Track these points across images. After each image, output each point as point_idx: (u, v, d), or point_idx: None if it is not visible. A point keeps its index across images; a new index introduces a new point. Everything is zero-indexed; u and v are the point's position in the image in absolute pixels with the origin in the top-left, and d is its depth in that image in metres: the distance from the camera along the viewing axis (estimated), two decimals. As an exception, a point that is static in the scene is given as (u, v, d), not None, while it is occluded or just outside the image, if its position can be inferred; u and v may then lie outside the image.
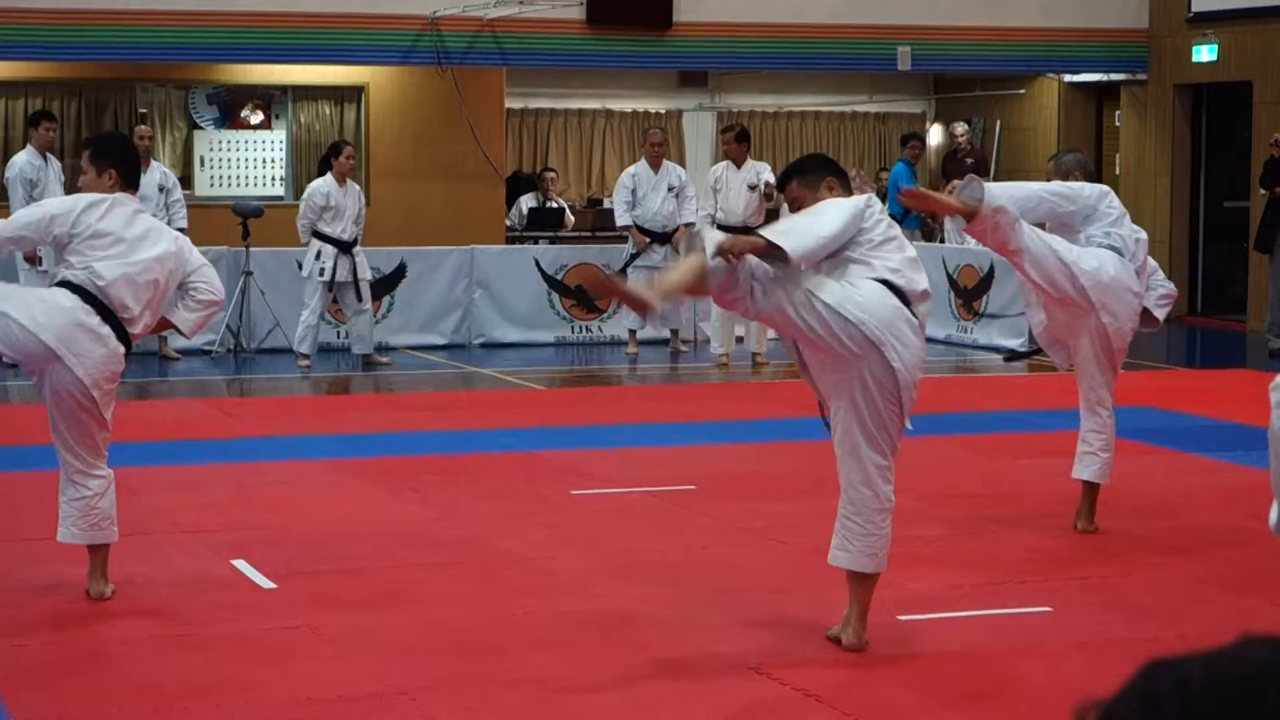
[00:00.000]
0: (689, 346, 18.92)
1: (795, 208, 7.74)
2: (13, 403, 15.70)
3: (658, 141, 18.56)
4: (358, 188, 17.86)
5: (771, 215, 17.10)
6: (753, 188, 17.39)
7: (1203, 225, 22.40)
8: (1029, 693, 7.16)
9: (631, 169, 18.70)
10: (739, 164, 17.52)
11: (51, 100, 20.44)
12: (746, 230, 17.25)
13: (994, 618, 8.16)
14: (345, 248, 17.44)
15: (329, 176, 17.49)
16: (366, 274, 17.67)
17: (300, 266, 17.70)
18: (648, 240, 18.08)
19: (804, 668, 7.34)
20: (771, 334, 18.38)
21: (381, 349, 18.53)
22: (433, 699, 6.96)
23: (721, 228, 17.27)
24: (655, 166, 18.36)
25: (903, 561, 9.08)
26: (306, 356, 17.40)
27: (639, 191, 18.30)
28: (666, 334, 18.79)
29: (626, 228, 18.32)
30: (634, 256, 18.31)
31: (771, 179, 17.47)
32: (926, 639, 7.83)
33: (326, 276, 17.37)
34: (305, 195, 17.64)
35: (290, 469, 11.78)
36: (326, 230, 17.40)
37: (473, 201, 21.64)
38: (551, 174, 22.33)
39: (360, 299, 17.54)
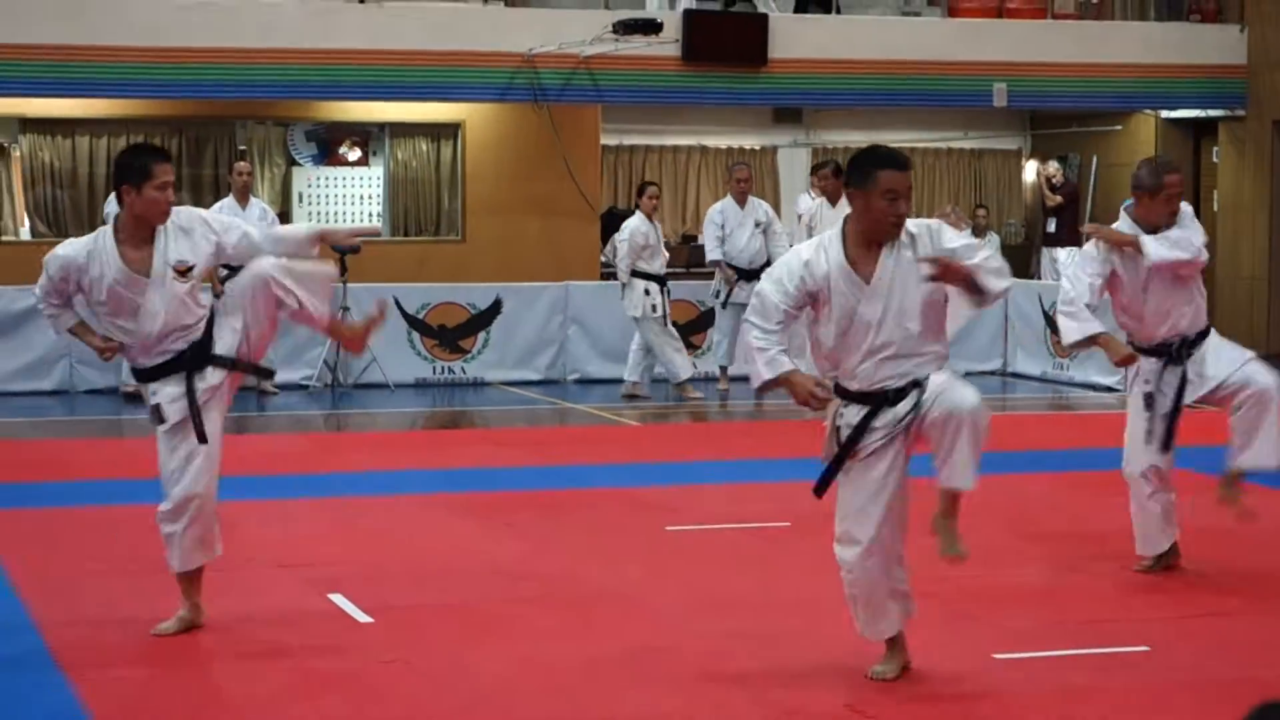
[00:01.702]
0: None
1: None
2: (126, 437, 15.88)
3: (743, 178, 18.57)
4: (659, 224, 18.41)
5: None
6: None
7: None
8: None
9: (718, 205, 18.72)
10: (834, 201, 17.47)
11: (153, 137, 20.66)
12: None
13: (1091, 656, 8.10)
14: (662, 282, 18.00)
15: (640, 215, 18.02)
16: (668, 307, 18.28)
17: (624, 301, 18.21)
18: (735, 276, 18.09)
19: (899, 707, 7.32)
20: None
21: (477, 384, 18.62)
22: (528, 734, 6.97)
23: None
24: (741, 202, 18.38)
25: (998, 599, 9.05)
26: (686, 384, 17.96)
27: (726, 228, 18.33)
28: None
29: (715, 263, 18.34)
30: (728, 294, 18.30)
31: None
32: (1022, 678, 7.78)
33: (659, 313, 17.88)
34: (627, 236, 18.09)
35: (386, 504, 11.84)
36: (644, 267, 17.90)
37: (568, 237, 21.71)
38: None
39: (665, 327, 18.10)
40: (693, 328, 18.92)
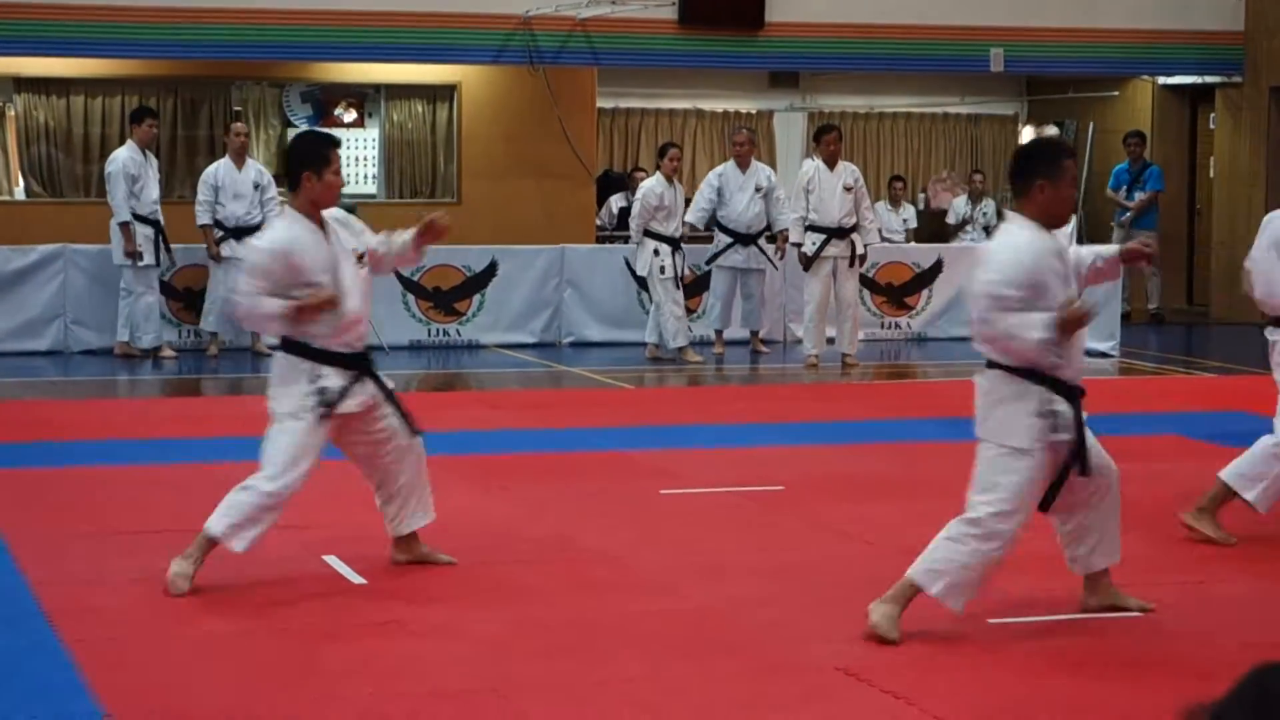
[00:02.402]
0: (770, 348, 18.89)
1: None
2: (120, 397, 15.85)
3: (741, 141, 18.55)
4: (680, 186, 18.26)
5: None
6: (848, 189, 17.34)
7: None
8: (1127, 696, 7.11)
9: (719, 168, 18.71)
10: (831, 165, 17.46)
11: (148, 97, 20.61)
12: (842, 232, 17.31)
13: (1091, 621, 8.11)
14: (676, 244, 17.97)
15: (659, 176, 18.07)
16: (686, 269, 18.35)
17: (630, 266, 18.47)
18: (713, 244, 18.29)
19: (893, 670, 7.32)
20: (862, 335, 18.37)
21: (472, 347, 18.63)
22: (522, 697, 6.98)
23: (814, 228, 17.27)
24: (743, 167, 18.35)
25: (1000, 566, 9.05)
26: (685, 349, 18.01)
27: (725, 192, 18.31)
28: (747, 334, 18.79)
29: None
30: (716, 255, 18.36)
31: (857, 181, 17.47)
32: (1022, 642, 7.79)
33: (669, 272, 17.91)
34: (640, 195, 18.19)
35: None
36: (659, 229, 17.91)
37: (563, 201, 21.69)
38: (642, 173, 22.34)
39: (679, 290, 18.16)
40: (688, 292, 18.91)
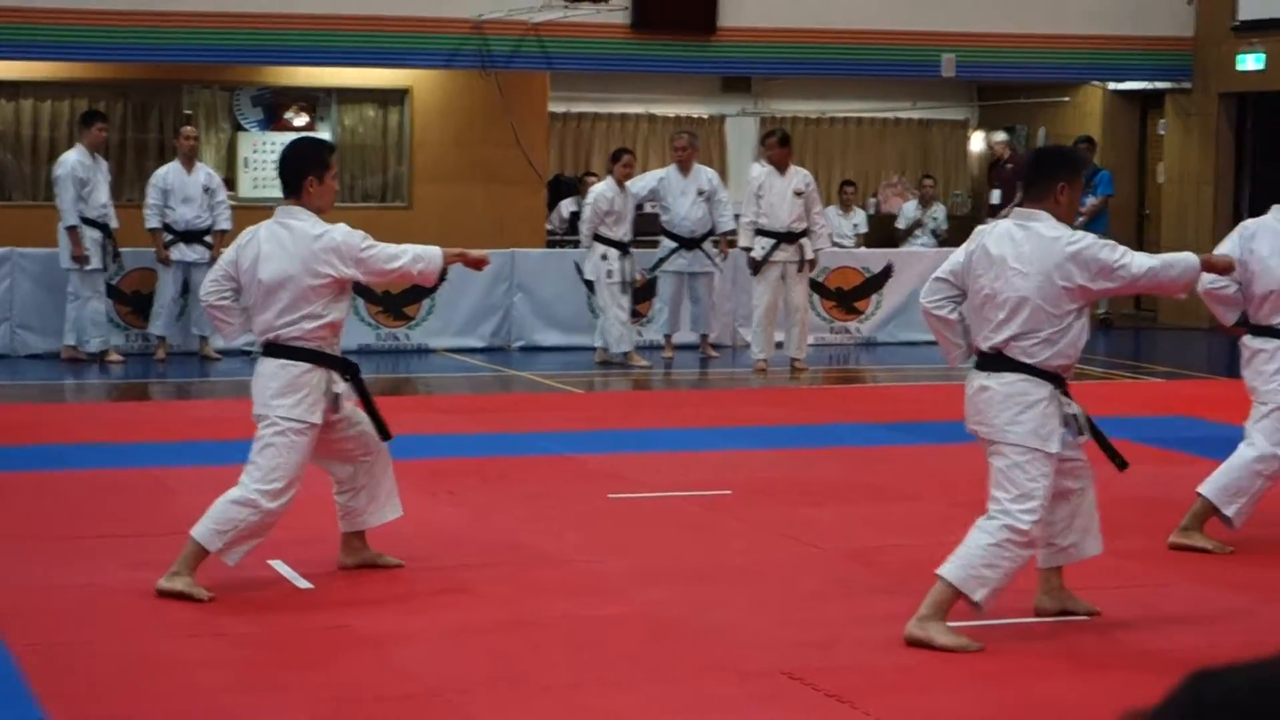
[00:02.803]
0: (719, 353, 18.90)
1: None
2: (68, 401, 15.77)
3: (682, 145, 18.54)
4: (632, 191, 18.24)
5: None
6: (799, 194, 17.35)
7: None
8: (1068, 702, 7.14)
9: (658, 172, 18.73)
10: (782, 170, 17.46)
11: (97, 101, 20.54)
12: (792, 236, 17.31)
13: (1034, 625, 8.14)
14: (625, 249, 17.98)
15: (609, 181, 18.06)
16: (636, 274, 18.33)
17: (580, 270, 18.42)
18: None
19: (839, 673, 7.34)
20: (811, 339, 18.40)
21: (421, 351, 18.60)
22: (468, 701, 6.97)
23: (764, 233, 17.28)
24: (684, 170, 18.37)
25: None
26: (630, 353, 18.01)
27: (668, 197, 18.33)
28: (696, 339, 18.81)
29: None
30: (661, 260, 18.39)
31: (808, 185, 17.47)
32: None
33: (617, 277, 17.90)
34: (591, 200, 18.22)
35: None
36: (608, 234, 17.90)
37: (514, 205, 21.66)
38: (593, 178, 22.33)
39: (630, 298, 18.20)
40: (639, 296, 18.92)
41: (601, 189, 18.13)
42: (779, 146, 17.52)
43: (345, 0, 19.78)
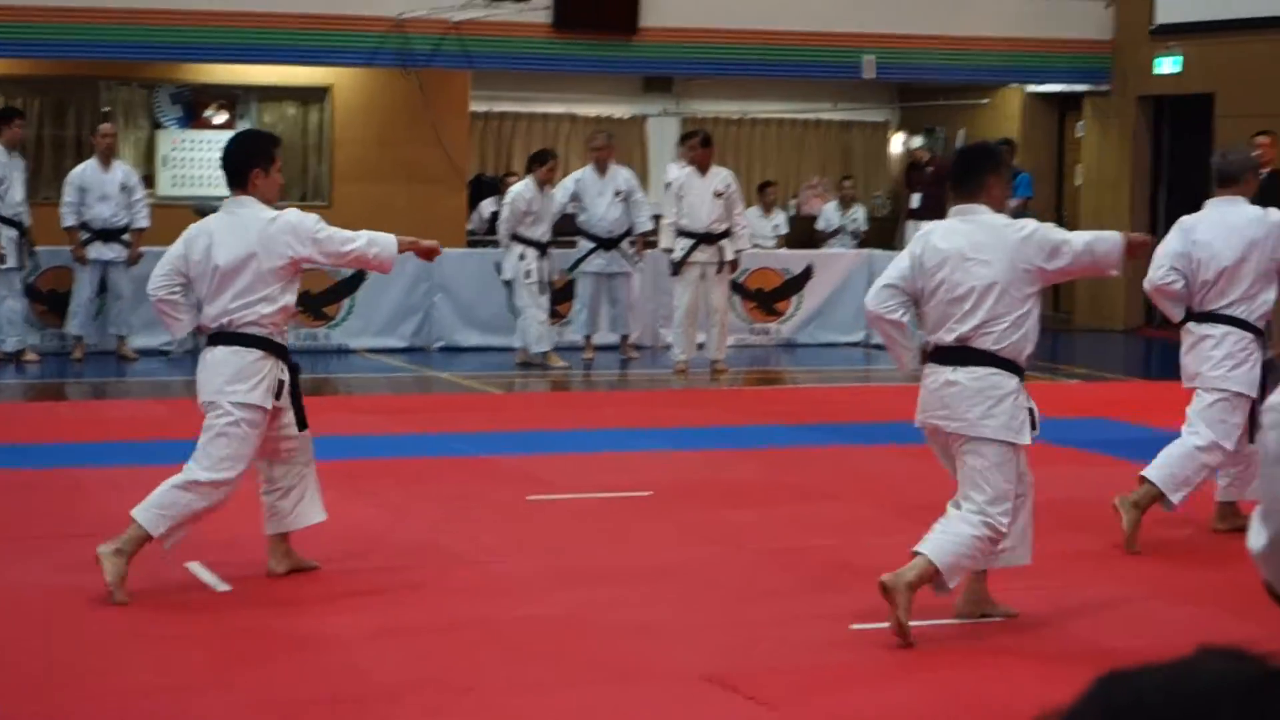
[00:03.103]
0: (640, 354, 18.90)
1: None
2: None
3: (599, 145, 18.54)
4: (554, 191, 18.23)
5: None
6: (719, 194, 17.35)
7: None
8: (984, 703, 7.16)
9: (576, 174, 18.72)
10: (703, 171, 17.46)
11: (14, 98, 20.36)
12: (711, 237, 17.32)
13: (951, 627, 8.16)
14: (544, 250, 17.95)
15: (529, 181, 18.05)
16: (555, 274, 18.35)
17: (499, 269, 18.32)
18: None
19: (758, 675, 7.34)
20: (731, 340, 18.42)
21: (341, 352, 18.52)
22: (387, 704, 6.94)
23: (684, 234, 17.28)
24: (601, 171, 18.37)
25: (859, 570, 9.09)
26: (549, 354, 17.98)
27: (585, 197, 18.32)
28: (617, 339, 18.80)
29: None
30: (579, 260, 18.38)
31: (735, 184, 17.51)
32: (883, 649, 7.82)
33: (535, 277, 17.88)
34: (509, 199, 18.16)
35: (246, 471, 11.70)
36: (527, 234, 17.87)
37: (435, 204, 21.61)
38: (514, 178, 22.30)
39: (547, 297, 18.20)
40: (560, 297, 18.89)
41: (520, 189, 18.11)
42: (701, 148, 17.53)
43: (265, -2, 19.68)
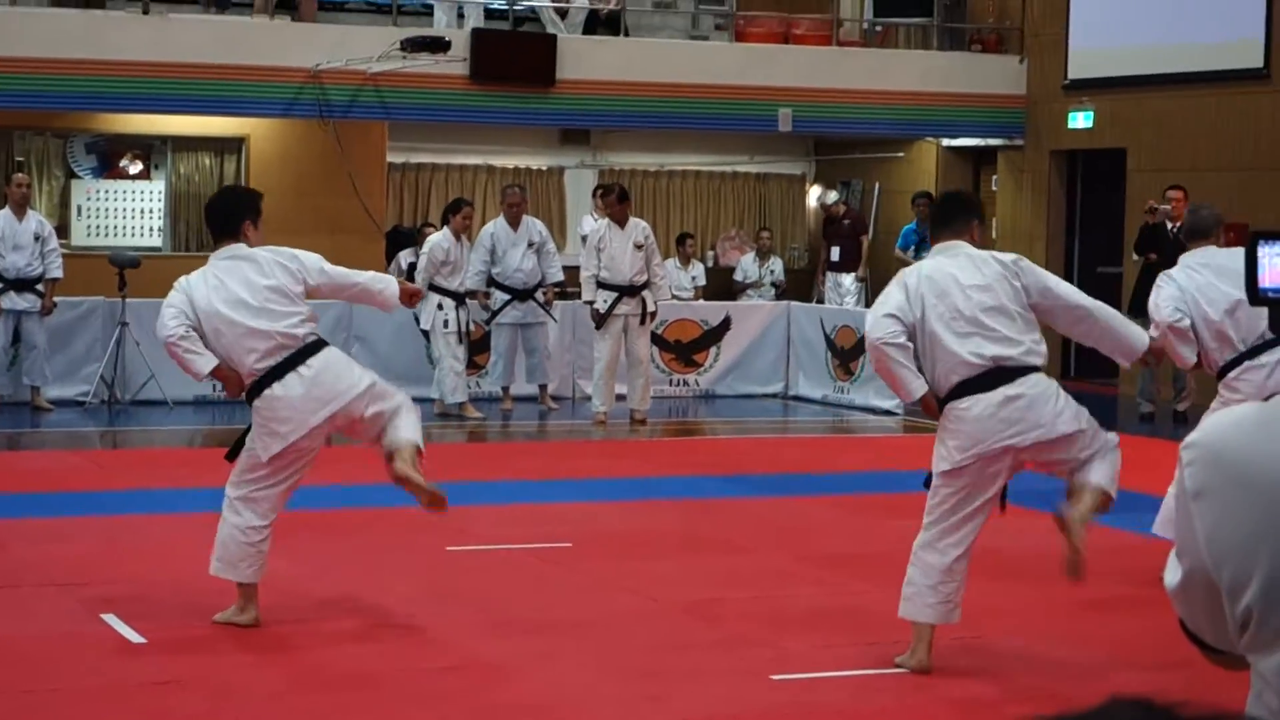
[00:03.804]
0: (559, 404, 18.88)
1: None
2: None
3: (514, 202, 18.56)
4: (467, 243, 18.28)
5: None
6: (639, 247, 17.41)
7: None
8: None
9: (489, 227, 18.72)
10: (621, 224, 17.54)
11: (-73, 146, 20.21)
12: (634, 289, 17.37)
13: (866, 678, 8.18)
14: (461, 300, 17.96)
15: (446, 231, 18.07)
16: (472, 326, 18.29)
17: (417, 320, 18.28)
18: (489, 302, 18.26)
19: (676, 727, 7.34)
20: (651, 392, 18.43)
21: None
22: (302, 757, 6.90)
23: (606, 286, 17.34)
24: (514, 224, 18.39)
25: (777, 622, 9.12)
26: (464, 404, 17.92)
27: (498, 250, 18.35)
28: (535, 390, 18.77)
29: (471, 292, 18.32)
30: (495, 313, 18.37)
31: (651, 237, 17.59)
32: (800, 699, 7.84)
33: (452, 327, 17.86)
34: (427, 249, 18.13)
35: (162, 522, 11.67)
36: (444, 284, 17.89)
37: (352, 255, 21.38)
38: (431, 229, 22.27)
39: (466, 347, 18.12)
40: (476, 348, 18.87)
41: (438, 239, 18.14)
42: (618, 203, 17.62)
43: (181, 48, 19.61)
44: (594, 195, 22.23)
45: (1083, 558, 8.04)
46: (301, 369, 8.78)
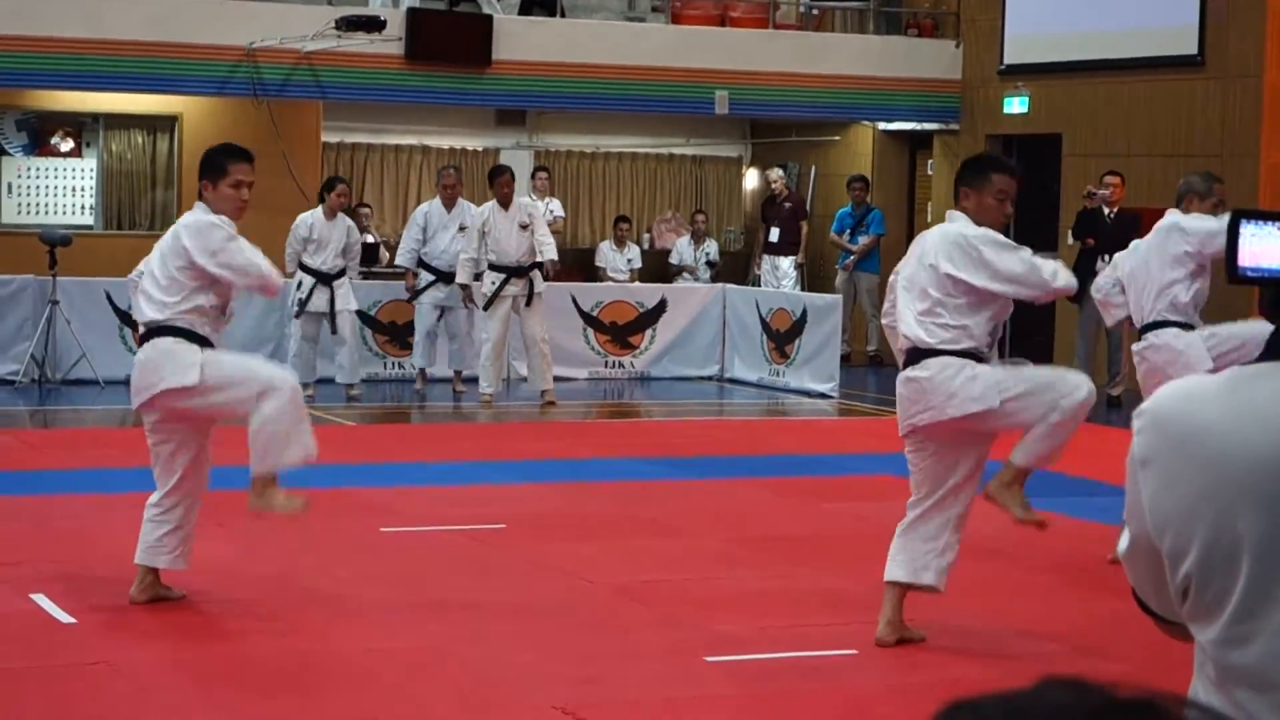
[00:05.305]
0: (467, 388, 18.68)
1: None
2: None
3: (449, 184, 18.47)
4: (348, 222, 17.97)
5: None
6: (524, 227, 17.36)
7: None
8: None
9: (424, 206, 18.66)
10: (506, 205, 17.45)
11: None
12: (521, 270, 17.33)
13: (801, 659, 8.18)
14: (325, 279, 17.52)
15: (319, 210, 17.78)
16: (350, 305, 17.84)
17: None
18: (414, 284, 18.13)
19: (609, 707, 7.32)
20: (585, 373, 18.39)
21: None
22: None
23: (495, 268, 17.31)
24: (448, 206, 18.31)
25: (710, 604, 9.11)
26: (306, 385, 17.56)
27: (429, 230, 18.27)
28: (451, 373, 18.65)
29: (402, 268, 18.27)
30: (418, 292, 18.27)
31: (560, 214, 17.55)
32: (734, 681, 7.84)
33: (297, 307, 17.58)
34: (293, 226, 17.84)
35: (93, 502, 11.58)
36: (309, 262, 17.65)
37: (285, 234, 21.40)
38: (366, 210, 22.21)
39: (335, 330, 17.68)
40: (404, 331, 18.79)
41: (304, 216, 17.94)
42: (511, 184, 17.60)
43: (114, 24, 19.46)
44: (531, 177, 22.18)
45: (1030, 517, 8.22)
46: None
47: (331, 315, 17.68)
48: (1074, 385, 8.28)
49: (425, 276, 18.34)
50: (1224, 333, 10.46)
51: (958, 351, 8.15)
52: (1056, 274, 8.27)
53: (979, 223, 8.20)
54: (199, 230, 8.79)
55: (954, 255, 8.13)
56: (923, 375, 8.17)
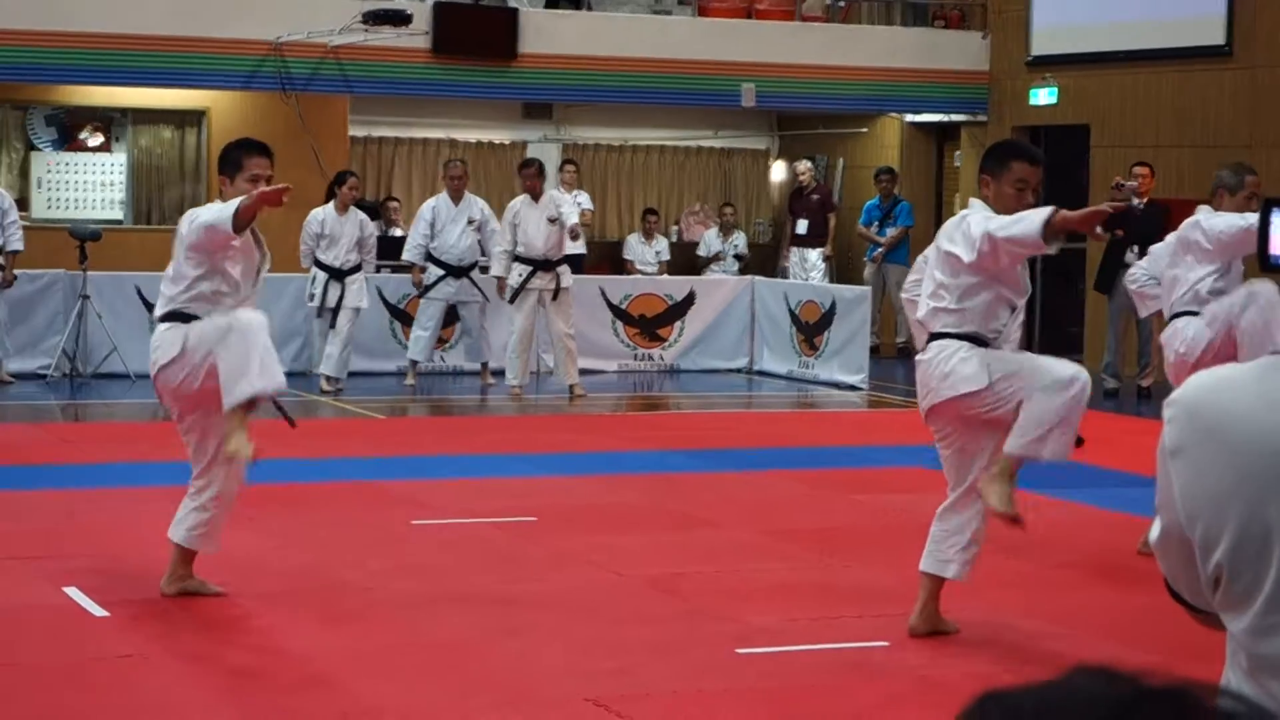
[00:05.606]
0: (497, 380, 18.70)
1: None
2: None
3: (456, 175, 18.44)
4: (360, 215, 17.96)
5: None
6: (552, 221, 17.37)
7: (1040, 266, 22.70)
8: (866, 727, 7.18)
9: (431, 201, 18.62)
10: (536, 198, 17.47)
11: (-115, 118, 20.08)
12: (548, 264, 17.35)
13: (833, 651, 8.18)
14: (338, 275, 17.55)
15: (330, 205, 17.78)
16: (360, 302, 17.82)
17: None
18: (422, 280, 18.14)
19: (642, 700, 7.33)
20: (614, 366, 18.41)
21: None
22: (267, 730, 6.88)
23: (521, 260, 17.33)
24: (456, 199, 18.27)
25: (741, 596, 9.11)
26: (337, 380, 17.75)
27: (438, 224, 18.24)
28: (477, 368, 18.66)
29: (409, 264, 18.30)
30: (428, 287, 18.23)
31: (588, 206, 17.55)
32: (766, 673, 7.84)
33: (315, 303, 17.64)
34: (304, 223, 17.84)
35: (125, 495, 11.62)
36: (322, 258, 17.69)
37: (315, 229, 21.45)
38: (395, 203, 22.23)
39: (334, 325, 17.66)
40: (444, 321, 18.81)
41: (316, 211, 17.92)
42: (538, 176, 17.59)
43: (141, 19, 19.51)
44: (559, 170, 22.18)
45: (1008, 510, 8.08)
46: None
47: (335, 308, 17.62)
48: (1067, 373, 8.21)
49: (434, 271, 18.31)
50: (1221, 312, 10.33)
51: (958, 335, 8.16)
52: (1019, 221, 7.84)
53: (997, 211, 8.01)
54: (192, 213, 8.90)
55: (954, 235, 8.14)
56: (925, 358, 8.27)
